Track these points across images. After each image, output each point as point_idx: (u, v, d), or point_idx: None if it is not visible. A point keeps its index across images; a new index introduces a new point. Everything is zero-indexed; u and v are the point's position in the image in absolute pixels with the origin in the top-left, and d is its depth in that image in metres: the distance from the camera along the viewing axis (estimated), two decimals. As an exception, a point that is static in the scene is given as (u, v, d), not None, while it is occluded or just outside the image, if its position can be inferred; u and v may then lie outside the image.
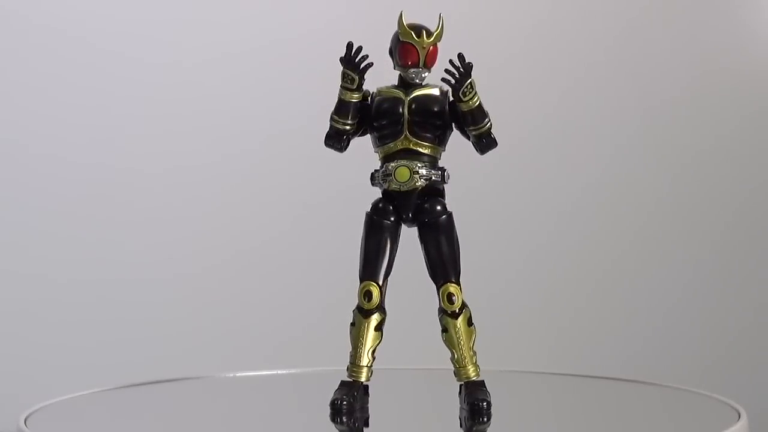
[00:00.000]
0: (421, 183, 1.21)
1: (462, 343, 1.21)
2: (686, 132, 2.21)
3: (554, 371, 1.56)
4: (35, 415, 1.25)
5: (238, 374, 1.52)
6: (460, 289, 1.22)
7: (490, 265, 2.10)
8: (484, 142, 1.22)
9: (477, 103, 1.21)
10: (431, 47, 1.21)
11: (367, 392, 1.23)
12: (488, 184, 2.09)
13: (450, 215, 1.22)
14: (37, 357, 1.83)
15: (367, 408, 1.23)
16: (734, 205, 2.24)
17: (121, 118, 1.89)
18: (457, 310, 1.21)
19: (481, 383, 1.21)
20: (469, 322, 1.22)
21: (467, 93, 1.20)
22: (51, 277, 1.85)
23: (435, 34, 1.21)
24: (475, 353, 1.21)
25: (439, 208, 1.21)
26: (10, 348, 1.82)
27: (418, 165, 1.21)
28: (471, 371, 1.21)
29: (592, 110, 2.16)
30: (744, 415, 1.21)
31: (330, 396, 1.21)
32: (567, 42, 2.15)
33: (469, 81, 1.20)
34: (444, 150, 1.23)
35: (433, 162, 1.22)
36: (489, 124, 1.21)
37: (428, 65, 1.22)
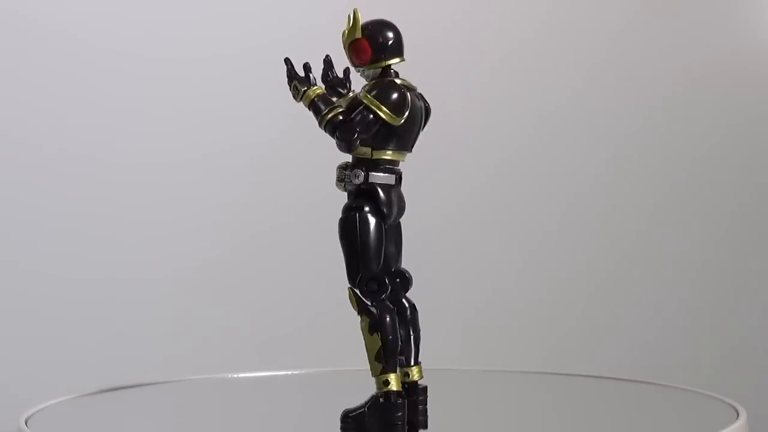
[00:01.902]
0: (339, 185, 1.19)
1: (366, 350, 1.15)
2: (689, 132, 2.22)
3: (554, 371, 1.56)
4: (36, 416, 1.25)
5: (242, 375, 1.52)
6: (354, 293, 1.15)
7: (491, 265, 2.10)
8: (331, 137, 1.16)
9: (308, 101, 1.16)
10: (349, 44, 1.17)
11: (409, 395, 1.18)
12: (489, 183, 2.10)
13: (348, 217, 1.17)
14: (38, 357, 1.83)
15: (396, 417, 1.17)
16: (733, 206, 2.24)
17: (116, 115, 1.89)
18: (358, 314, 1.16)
19: (376, 397, 1.15)
20: (371, 330, 1.14)
21: (295, 95, 1.18)
22: (51, 278, 1.85)
23: (344, 31, 1.18)
24: (381, 365, 1.14)
25: (343, 209, 1.18)
26: (10, 348, 1.82)
27: (340, 167, 1.19)
28: (375, 383, 1.15)
29: (592, 111, 2.16)
30: (743, 414, 1.21)
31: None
32: (566, 43, 2.15)
33: (293, 83, 1.17)
34: (376, 148, 1.16)
35: (356, 163, 1.17)
36: (322, 120, 1.15)
37: (356, 63, 1.18)
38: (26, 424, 1.21)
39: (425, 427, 1.19)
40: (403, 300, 1.20)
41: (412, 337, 1.19)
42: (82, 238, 1.87)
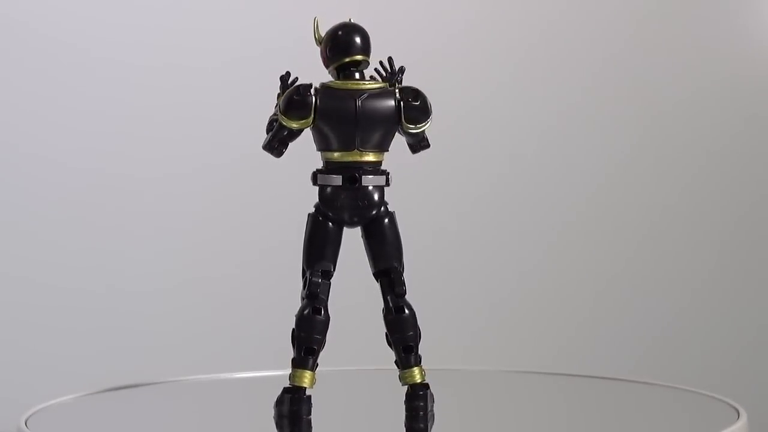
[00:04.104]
0: None
1: None
2: (690, 134, 2.22)
3: (554, 371, 1.56)
4: (36, 416, 1.25)
5: (241, 375, 1.52)
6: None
7: (491, 265, 2.10)
8: None
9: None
10: None
11: (408, 399, 1.19)
12: (491, 182, 2.10)
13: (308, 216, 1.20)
14: (38, 358, 1.83)
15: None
16: (732, 206, 2.24)
17: (118, 122, 1.89)
18: None
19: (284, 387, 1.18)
20: None
21: None
22: (50, 280, 1.85)
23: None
24: (293, 357, 1.19)
25: None
26: (10, 349, 1.83)
27: None
28: None
29: (593, 115, 2.16)
30: (744, 414, 1.21)
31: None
32: (568, 49, 2.15)
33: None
34: (322, 150, 1.19)
35: None
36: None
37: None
38: (26, 424, 1.21)
39: None
40: (388, 300, 1.19)
41: (392, 339, 1.19)
42: (82, 238, 1.87)
